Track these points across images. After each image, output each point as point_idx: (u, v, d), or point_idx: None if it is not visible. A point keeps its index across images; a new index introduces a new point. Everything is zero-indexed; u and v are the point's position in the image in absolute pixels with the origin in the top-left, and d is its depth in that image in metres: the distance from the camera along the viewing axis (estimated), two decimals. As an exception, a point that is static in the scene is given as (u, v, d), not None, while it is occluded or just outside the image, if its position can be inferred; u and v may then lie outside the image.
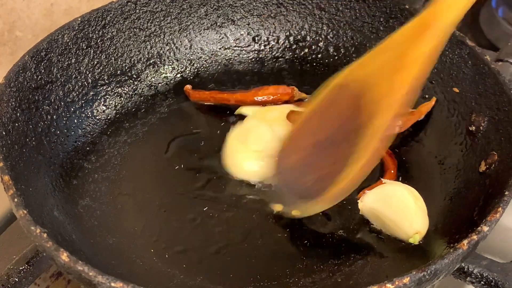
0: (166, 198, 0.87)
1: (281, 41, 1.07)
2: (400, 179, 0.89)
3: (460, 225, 0.79)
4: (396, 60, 0.74)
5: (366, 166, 0.76)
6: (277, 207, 0.84)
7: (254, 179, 0.88)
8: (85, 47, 0.96)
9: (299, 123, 0.84)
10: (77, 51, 0.95)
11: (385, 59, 0.76)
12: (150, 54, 1.02)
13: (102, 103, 0.97)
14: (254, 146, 0.89)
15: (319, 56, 1.05)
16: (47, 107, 0.90)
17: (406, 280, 0.65)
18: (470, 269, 0.78)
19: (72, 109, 0.93)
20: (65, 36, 0.93)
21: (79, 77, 0.95)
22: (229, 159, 0.90)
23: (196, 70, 1.05)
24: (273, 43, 1.07)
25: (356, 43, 1.04)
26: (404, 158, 0.92)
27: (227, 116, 0.98)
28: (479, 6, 1.31)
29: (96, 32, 0.97)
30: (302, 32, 1.06)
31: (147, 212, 0.86)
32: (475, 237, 0.69)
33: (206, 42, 1.06)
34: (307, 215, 0.82)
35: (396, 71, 0.74)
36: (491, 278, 0.78)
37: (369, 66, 0.77)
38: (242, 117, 0.97)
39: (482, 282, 0.78)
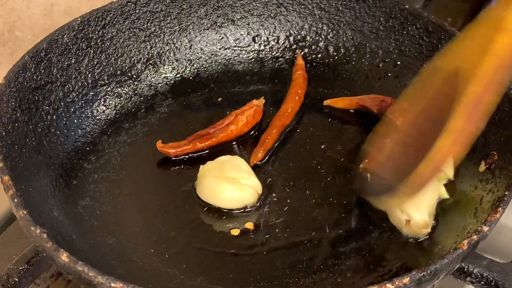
0: (166, 198, 0.87)
1: (281, 41, 1.07)
2: (400, 179, 0.89)
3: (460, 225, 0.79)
4: (486, 35, 0.72)
5: (457, 141, 0.73)
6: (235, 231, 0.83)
7: (234, 207, 0.85)
8: (85, 47, 0.96)
9: (400, 115, 0.82)
10: (77, 51, 0.95)
11: (476, 37, 0.74)
12: (150, 54, 1.02)
13: (102, 103, 0.97)
14: (231, 174, 0.86)
15: (319, 56, 1.05)
16: (47, 107, 0.90)
17: (406, 280, 0.65)
18: (470, 269, 0.78)
19: (72, 109, 0.93)
20: (65, 36, 0.93)
21: (79, 77, 0.95)
22: (206, 190, 0.86)
23: (196, 70, 1.05)
24: (273, 43, 1.07)
25: (356, 43, 1.04)
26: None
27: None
28: (479, 6, 1.30)
29: (96, 32, 0.97)
30: (302, 32, 1.06)
31: (147, 212, 0.86)
32: (475, 237, 0.69)
33: (206, 42, 1.06)
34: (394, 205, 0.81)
35: (486, 44, 0.72)
36: (491, 278, 0.78)
37: (463, 49, 0.76)
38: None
39: (482, 282, 0.78)
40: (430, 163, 0.73)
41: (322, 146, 0.93)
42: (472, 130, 0.73)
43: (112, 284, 0.64)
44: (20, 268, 0.82)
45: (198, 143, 0.91)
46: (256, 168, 0.89)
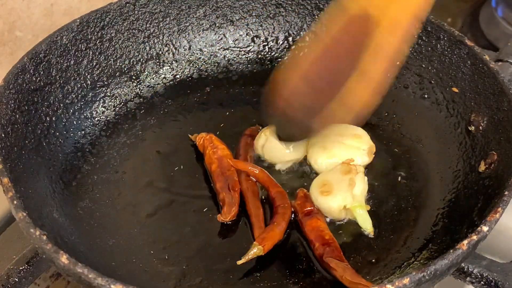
0: (165, 199, 0.87)
1: (280, 41, 1.07)
2: (399, 179, 0.89)
3: (460, 225, 0.79)
4: None
5: (371, 85, 0.75)
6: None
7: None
8: (84, 49, 0.96)
9: (307, 51, 0.82)
10: (76, 53, 0.95)
11: None
12: (149, 55, 1.02)
13: (101, 104, 0.97)
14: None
15: (318, 56, 1.05)
16: (46, 108, 0.90)
17: (406, 280, 0.65)
18: (470, 269, 0.78)
19: (71, 111, 0.93)
20: (64, 37, 0.93)
21: (78, 78, 0.95)
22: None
23: (195, 71, 1.04)
24: (272, 43, 1.07)
25: (355, 43, 1.03)
26: (403, 157, 0.92)
27: (226, 116, 0.99)
28: (479, 6, 1.30)
29: (95, 33, 0.97)
30: (301, 33, 1.06)
31: (146, 213, 0.86)
32: (475, 237, 0.69)
33: (205, 43, 1.05)
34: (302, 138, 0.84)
35: None
36: (491, 278, 0.78)
37: None
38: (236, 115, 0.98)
39: (482, 282, 0.78)
40: (346, 105, 0.75)
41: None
42: (388, 80, 0.76)
43: (112, 286, 0.64)
44: (20, 268, 0.82)
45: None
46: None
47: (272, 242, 0.79)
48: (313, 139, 0.91)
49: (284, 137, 0.88)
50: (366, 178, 0.87)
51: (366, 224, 0.83)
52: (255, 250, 0.78)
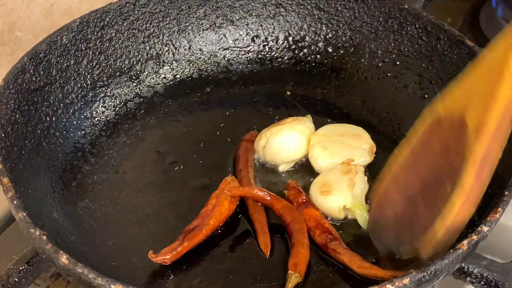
0: (165, 199, 0.87)
1: (280, 41, 1.07)
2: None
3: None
4: (490, 79, 0.65)
5: (469, 199, 0.68)
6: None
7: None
8: (84, 49, 0.96)
9: (396, 169, 0.76)
10: (76, 53, 0.95)
11: (481, 79, 0.68)
12: (149, 55, 1.02)
13: (101, 104, 0.97)
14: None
15: (318, 56, 1.05)
16: (46, 108, 0.90)
17: (406, 280, 0.65)
18: (470, 269, 0.78)
19: (71, 111, 0.93)
20: (64, 37, 0.93)
21: (78, 78, 0.95)
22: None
23: (195, 71, 1.04)
24: (272, 43, 1.07)
25: (355, 43, 1.03)
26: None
27: (226, 116, 0.99)
28: (479, 6, 1.30)
29: (95, 33, 0.97)
30: (301, 33, 1.06)
31: (146, 214, 0.86)
32: (475, 237, 0.69)
33: (205, 43, 1.05)
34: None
35: (490, 92, 0.65)
36: (491, 278, 0.78)
37: (468, 90, 0.69)
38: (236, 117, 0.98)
39: (482, 282, 0.78)
40: (444, 221, 0.69)
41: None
42: (481, 188, 0.69)
43: (112, 286, 0.64)
44: (20, 268, 0.82)
45: (190, 240, 0.79)
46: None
47: (305, 263, 0.77)
48: (314, 139, 0.91)
49: (379, 247, 0.80)
50: (366, 178, 0.87)
51: (366, 224, 0.83)
52: (293, 279, 0.76)
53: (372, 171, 0.89)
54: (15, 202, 0.71)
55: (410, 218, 0.74)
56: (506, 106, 0.64)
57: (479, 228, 0.70)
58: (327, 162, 0.89)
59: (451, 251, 0.68)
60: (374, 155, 0.91)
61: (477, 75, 0.68)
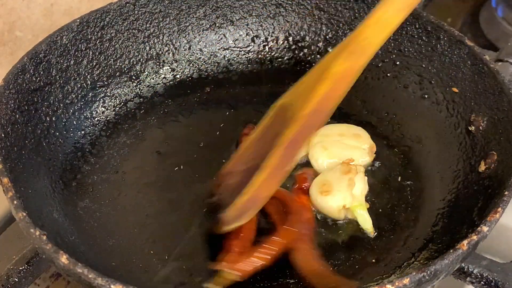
0: (165, 199, 0.87)
1: (280, 41, 1.07)
2: (399, 179, 0.89)
3: (460, 225, 0.79)
4: (316, 79, 0.77)
5: (271, 176, 0.77)
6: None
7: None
8: (84, 49, 0.96)
9: (243, 147, 0.86)
10: (76, 53, 0.95)
11: (310, 79, 0.80)
12: (149, 55, 1.02)
13: (101, 104, 0.97)
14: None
15: (318, 56, 1.05)
16: (46, 108, 0.90)
17: (406, 280, 0.65)
18: (470, 269, 0.78)
19: (71, 111, 0.93)
20: (64, 37, 0.93)
21: (78, 78, 0.95)
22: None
23: (195, 71, 1.04)
24: (272, 43, 1.07)
25: (355, 43, 1.03)
26: (403, 157, 0.92)
27: (226, 116, 0.99)
28: (479, 6, 1.30)
29: (95, 33, 0.97)
30: (301, 33, 1.06)
31: (146, 214, 0.86)
32: (475, 237, 0.69)
33: (205, 43, 1.05)
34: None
35: (312, 88, 0.76)
36: (491, 278, 0.78)
37: (299, 87, 0.81)
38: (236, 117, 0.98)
39: (482, 282, 0.78)
40: (246, 194, 0.77)
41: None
42: (285, 167, 0.77)
43: (112, 286, 0.64)
44: (20, 268, 0.83)
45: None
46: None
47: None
48: (314, 139, 0.91)
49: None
50: (366, 178, 0.87)
51: (366, 224, 0.83)
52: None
53: (372, 171, 0.90)
54: (15, 202, 0.71)
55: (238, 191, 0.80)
56: (323, 98, 0.75)
57: (479, 228, 0.70)
58: (327, 162, 0.89)
59: (451, 251, 0.68)
60: (375, 155, 0.91)
61: (311, 74, 0.80)
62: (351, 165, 0.86)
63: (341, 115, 0.98)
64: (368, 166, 0.90)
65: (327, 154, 0.89)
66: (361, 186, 0.85)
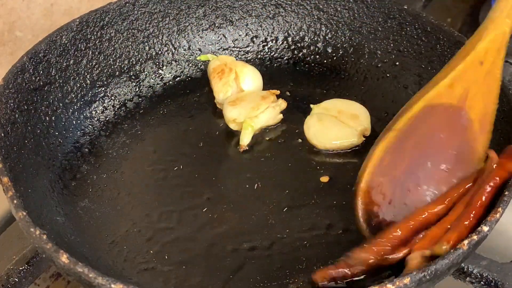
0: (165, 199, 0.87)
1: (279, 41, 1.07)
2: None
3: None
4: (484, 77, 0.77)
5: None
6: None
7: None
8: (83, 48, 0.96)
9: (377, 156, 0.80)
10: (76, 52, 0.95)
11: (471, 77, 0.78)
12: (148, 55, 1.02)
13: (101, 104, 0.97)
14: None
15: (318, 56, 1.05)
16: (45, 108, 0.90)
17: (406, 280, 0.65)
18: (470, 269, 0.78)
19: (71, 111, 0.93)
20: (64, 37, 0.93)
21: (77, 78, 0.95)
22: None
23: (194, 71, 1.04)
24: (271, 43, 1.07)
25: (355, 44, 1.04)
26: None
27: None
28: (479, 6, 1.30)
29: (95, 33, 0.97)
30: (301, 33, 1.06)
31: (146, 213, 0.85)
32: (475, 237, 0.69)
33: (205, 43, 1.05)
34: None
35: (488, 87, 0.76)
36: (491, 278, 0.78)
37: (456, 86, 0.78)
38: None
39: (482, 282, 0.78)
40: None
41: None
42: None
43: (112, 285, 0.64)
44: (20, 268, 0.83)
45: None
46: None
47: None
48: (315, 109, 0.95)
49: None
50: (281, 115, 0.96)
51: (243, 141, 0.92)
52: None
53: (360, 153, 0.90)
54: (15, 201, 0.71)
55: (401, 197, 0.78)
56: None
57: (479, 228, 0.70)
58: (319, 135, 0.93)
59: (452, 251, 0.68)
60: (364, 138, 0.92)
61: (466, 67, 0.79)
62: (271, 96, 0.95)
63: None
64: (354, 147, 0.92)
65: (319, 127, 0.93)
66: (267, 116, 0.94)
